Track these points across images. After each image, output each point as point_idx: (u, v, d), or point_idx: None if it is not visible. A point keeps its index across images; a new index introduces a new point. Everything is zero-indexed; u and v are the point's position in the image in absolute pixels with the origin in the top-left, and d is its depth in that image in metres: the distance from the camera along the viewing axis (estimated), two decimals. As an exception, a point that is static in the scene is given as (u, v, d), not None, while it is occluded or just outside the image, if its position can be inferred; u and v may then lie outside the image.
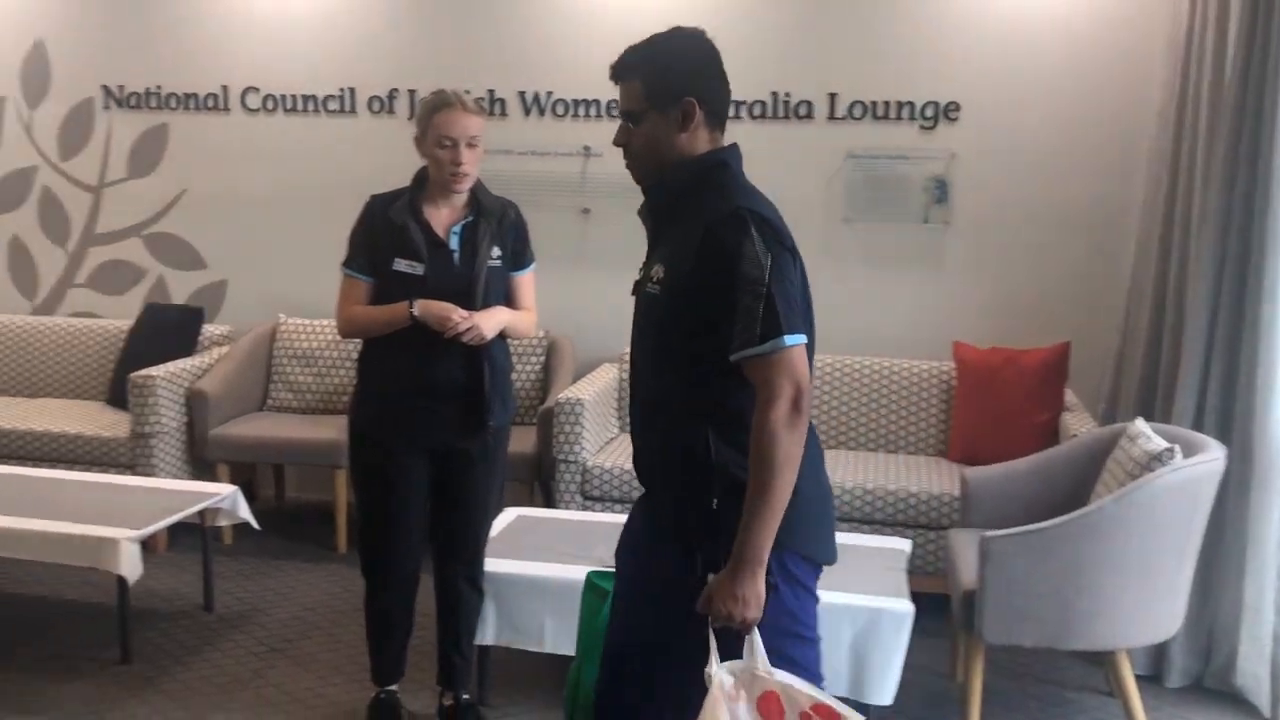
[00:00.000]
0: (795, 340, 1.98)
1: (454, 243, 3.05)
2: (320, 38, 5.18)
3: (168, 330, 5.11)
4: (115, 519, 3.67)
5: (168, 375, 4.67)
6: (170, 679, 3.57)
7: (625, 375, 4.77)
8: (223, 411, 4.77)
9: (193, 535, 4.29)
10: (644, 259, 2.22)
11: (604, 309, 5.03)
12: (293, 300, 5.25)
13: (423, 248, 3.01)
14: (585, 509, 4.26)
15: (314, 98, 5.21)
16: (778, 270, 1.99)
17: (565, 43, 4.97)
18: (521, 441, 4.55)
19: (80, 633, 3.89)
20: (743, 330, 1.96)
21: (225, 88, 5.29)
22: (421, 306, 2.96)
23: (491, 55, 5.05)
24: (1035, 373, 4.33)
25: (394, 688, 3.30)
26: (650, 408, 2.19)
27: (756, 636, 1.97)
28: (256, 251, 5.34)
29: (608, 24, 4.89)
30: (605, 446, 4.52)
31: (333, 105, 5.21)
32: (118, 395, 4.98)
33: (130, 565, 3.52)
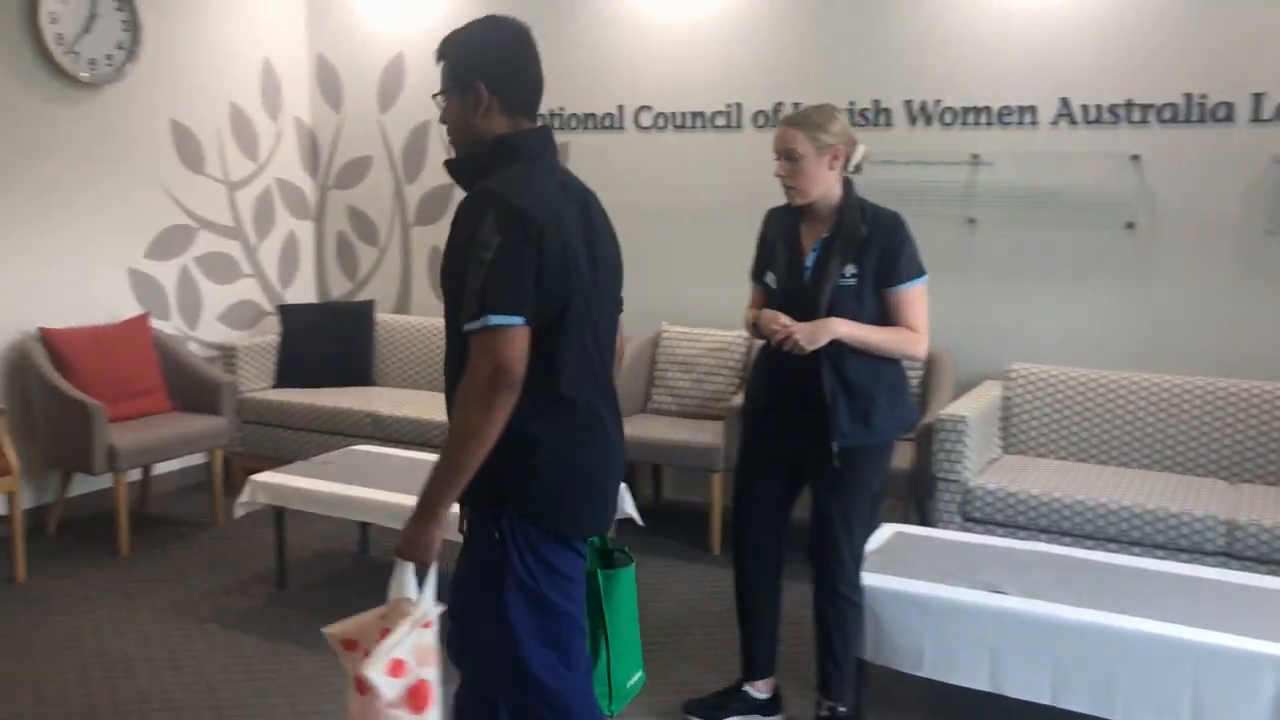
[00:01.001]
0: (502, 320, 2.05)
1: (810, 259, 3.10)
2: (709, 56, 5.37)
3: (562, 334, 5.46)
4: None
5: (562, 376, 4.99)
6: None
7: (1010, 393, 4.59)
8: (610, 412, 5.05)
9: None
10: None
11: (989, 322, 4.89)
12: (675, 309, 5.48)
13: (782, 263, 3.13)
14: (964, 529, 4.13)
15: (702, 114, 5.40)
16: (504, 252, 2.06)
17: (954, 49, 4.86)
18: (899, 457, 4.49)
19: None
20: (465, 305, 2.07)
21: (620, 108, 5.60)
22: (760, 318, 3.09)
23: (877, 65, 5.03)
24: None
25: (753, 684, 3.37)
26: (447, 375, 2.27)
27: (429, 575, 2.20)
28: (643, 262, 5.58)
29: (998, 29, 4.74)
30: (988, 467, 4.37)
31: (719, 121, 5.38)
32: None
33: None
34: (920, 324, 3.08)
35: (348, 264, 6.55)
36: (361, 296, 6.48)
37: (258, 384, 5.92)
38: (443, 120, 2.32)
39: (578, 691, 2.28)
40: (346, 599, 4.31)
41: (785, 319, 3.02)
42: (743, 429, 3.32)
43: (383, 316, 6.22)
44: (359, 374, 6.06)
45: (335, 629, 2.31)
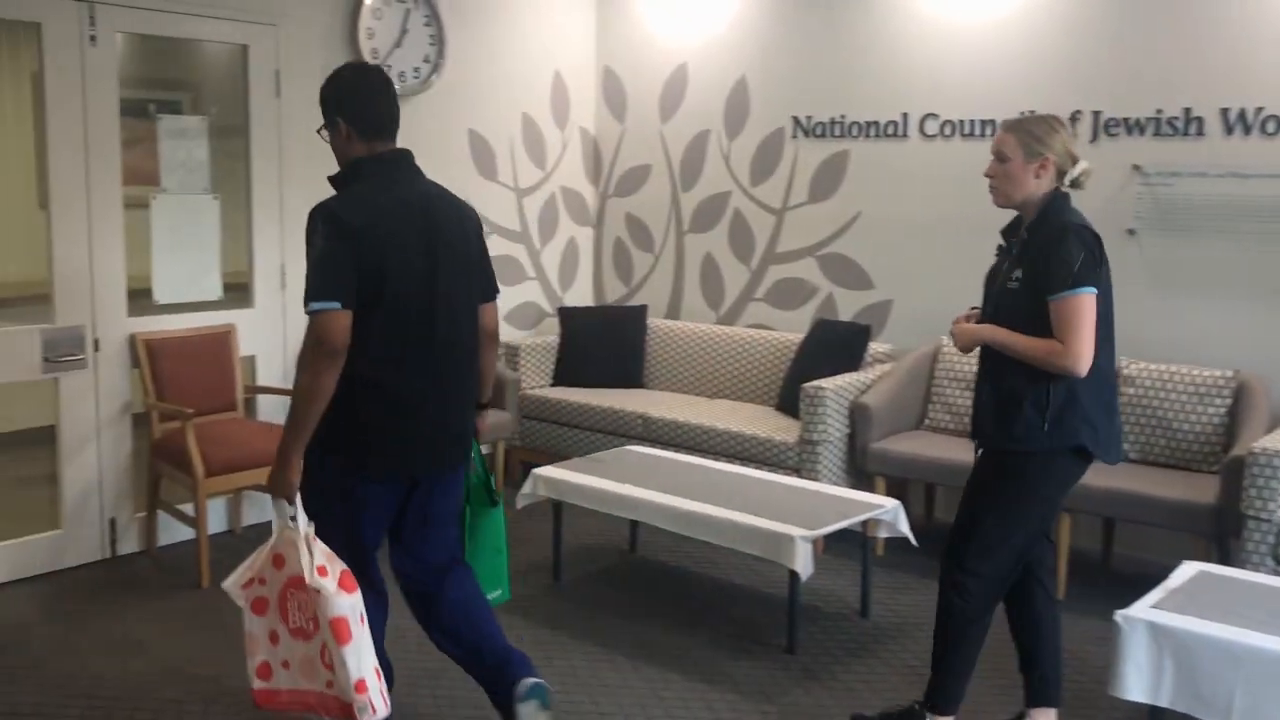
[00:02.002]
0: (321, 305, 2.72)
1: (1006, 263, 3.14)
2: (998, 61, 5.18)
3: (835, 345, 5.41)
4: (791, 517, 3.95)
5: (835, 388, 4.94)
6: (831, 676, 3.76)
7: (1334, 428, 4.19)
8: (883, 426, 4.95)
9: (846, 541, 4.49)
10: None
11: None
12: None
13: (992, 270, 3.22)
14: (1276, 573, 3.79)
15: (991, 122, 5.21)
16: (324, 251, 2.75)
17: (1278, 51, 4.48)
18: (1201, 490, 4.18)
19: (750, 617, 4.24)
20: (305, 294, 2.76)
21: (905, 115, 5.48)
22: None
23: (1190, 69, 4.70)
24: None
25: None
26: None
27: (295, 503, 2.82)
28: (922, 274, 5.47)
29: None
30: (1305, 506, 3.99)
31: (1010, 129, 5.17)
32: (787, 402, 5.38)
33: (804, 562, 3.77)
34: (1069, 337, 2.92)
35: (623, 269, 6.73)
36: (635, 301, 6.64)
37: (537, 382, 6.17)
38: (336, 149, 2.97)
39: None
40: (616, 595, 4.44)
41: (957, 325, 3.21)
42: None
43: (655, 321, 6.35)
44: (631, 376, 6.21)
45: (234, 578, 2.96)
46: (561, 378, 6.22)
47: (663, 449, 5.24)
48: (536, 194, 6.47)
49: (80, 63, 4.48)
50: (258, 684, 2.97)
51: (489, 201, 6.20)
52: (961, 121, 5.31)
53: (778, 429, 5.16)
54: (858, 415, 4.96)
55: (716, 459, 5.07)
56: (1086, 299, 2.93)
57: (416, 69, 5.72)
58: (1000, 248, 3.22)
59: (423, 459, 2.99)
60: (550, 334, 6.37)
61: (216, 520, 5.03)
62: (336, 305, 2.72)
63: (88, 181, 4.55)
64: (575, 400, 5.85)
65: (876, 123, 5.58)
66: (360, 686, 2.78)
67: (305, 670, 2.89)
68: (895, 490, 4.95)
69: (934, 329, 5.32)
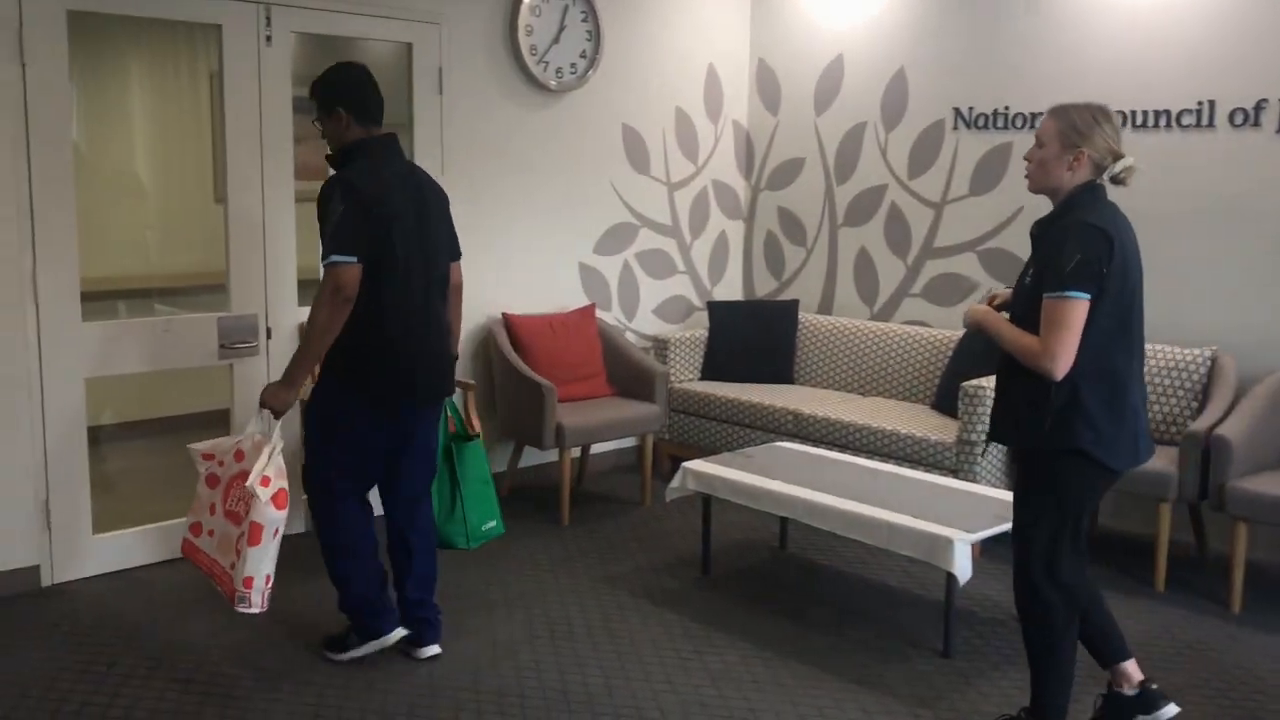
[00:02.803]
0: (337, 259, 3.32)
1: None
2: (1177, 47, 4.94)
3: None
4: (949, 519, 3.85)
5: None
6: (989, 683, 3.66)
7: None
8: (1045, 428, 4.78)
9: (1005, 545, 4.35)
10: None
11: None
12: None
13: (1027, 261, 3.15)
14: None
15: (1166, 113, 4.98)
16: (343, 214, 3.33)
17: None
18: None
19: (904, 620, 4.16)
20: (322, 248, 3.35)
21: (1072, 105, 5.28)
22: None
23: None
24: None
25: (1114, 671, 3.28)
26: None
27: (278, 419, 3.45)
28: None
29: None
30: None
31: (1187, 120, 4.93)
32: (944, 401, 5.26)
33: (962, 565, 3.68)
34: (1047, 338, 2.87)
35: (774, 263, 6.67)
36: (785, 296, 6.58)
37: (685, 375, 6.18)
38: (323, 136, 3.56)
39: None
40: (767, 592, 4.41)
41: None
42: None
43: (806, 316, 6.28)
44: (781, 371, 6.16)
45: (199, 445, 3.55)
46: (710, 372, 6.21)
47: (814, 446, 5.19)
48: (688, 187, 6.47)
49: (256, 62, 4.68)
50: (188, 536, 3.55)
51: (641, 195, 6.23)
52: (1134, 113, 5.08)
53: (934, 428, 5.04)
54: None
55: (869, 458, 4.99)
56: (1072, 304, 2.85)
57: (573, 65, 5.79)
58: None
59: (416, 387, 3.60)
60: (699, 328, 6.37)
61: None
62: (353, 259, 3.33)
63: (262, 176, 4.75)
64: (724, 395, 5.83)
65: (1040, 114, 5.39)
66: (248, 582, 3.30)
67: (223, 546, 3.43)
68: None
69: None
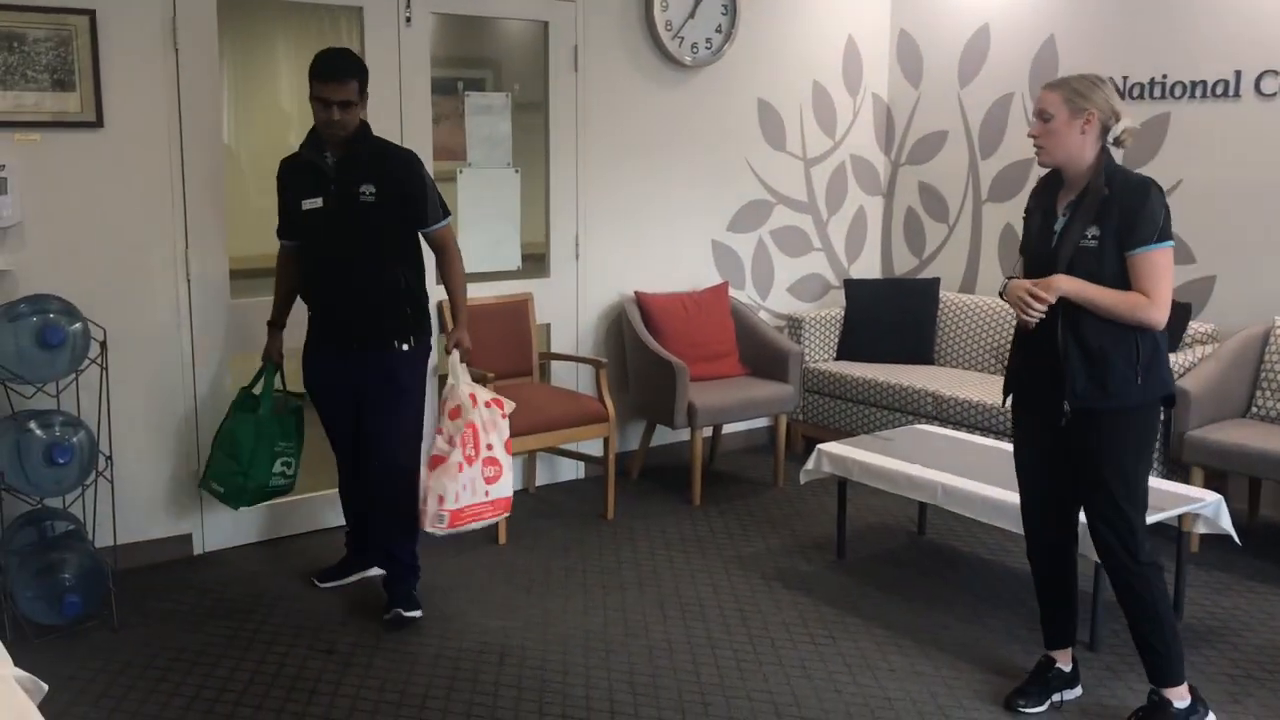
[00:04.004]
0: (448, 219, 3.96)
1: (1059, 223, 3.07)
2: (1358, 9, 4.61)
3: (1148, 324, 5.01)
4: (1098, 507, 3.68)
5: (1149, 369, 4.56)
6: (1138, 677, 3.46)
7: None
8: (1204, 413, 4.54)
9: (1158, 535, 4.13)
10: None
11: None
12: (1291, 302, 4.82)
13: (1035, 229, 3.14)
14: None
15: (1342, 77, 4.66)
16: (432, 181, 3.94)
17: None
18: None
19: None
20: (431, 211, 3.91)
21: (1238, 73, 4.98)
22: (1008, 286, 3.09)
23: None
24: None
25: (1059, 655, 3.36)
26: None
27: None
28: (1253, 248, 4.97)
29: None
30: None
31: (1367, 84, 4.61)
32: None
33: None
34: (1155, 289, 2.96)
35: (914, 240, 6.50)
36: (926, 274, 6.40)
37: (820, 355, 6.08)
38: (353, 113, 3.70)
39: None
40: (904, 578, 4.31)
41: (1026, 284, 3.01)
42: (1013, 412, 3.33)
43: (947, 295, 6.10)
44: (920, 352, 6.00)
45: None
46: (845, 352, 6.09)
47: (953, 429, 5.04)
48: (825, 163, 6.34)
49: (397, 43, 4.75)
50: (445, 508, 3.77)
51: (776, 171, 6.13)
52: (1307, 77, 4.77)
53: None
54: (1175, 400, 4.56)
55: (1010, 440, 4.81)
56: (1169, 253, 2.99)
57: (709, 40, 5.72)
58: (1037, 210, 3.16)
59: None
60: (835, 306, 6.25)
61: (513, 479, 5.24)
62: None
63: (402, 156, 4.82)
64: (860, 375, 5.71)
65: (1204, 82, 5.10)
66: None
67: (472, 489, 3.80)
68: (1215, 483, 4.54)
69: (1266, 308, 4.84)
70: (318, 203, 3.77)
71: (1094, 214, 2.99)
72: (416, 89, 4.83)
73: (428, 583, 4.12)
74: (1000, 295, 3.16)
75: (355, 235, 3.77)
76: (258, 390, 4.17)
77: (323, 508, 4.75)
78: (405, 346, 3.86)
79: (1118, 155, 3.06)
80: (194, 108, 4.29)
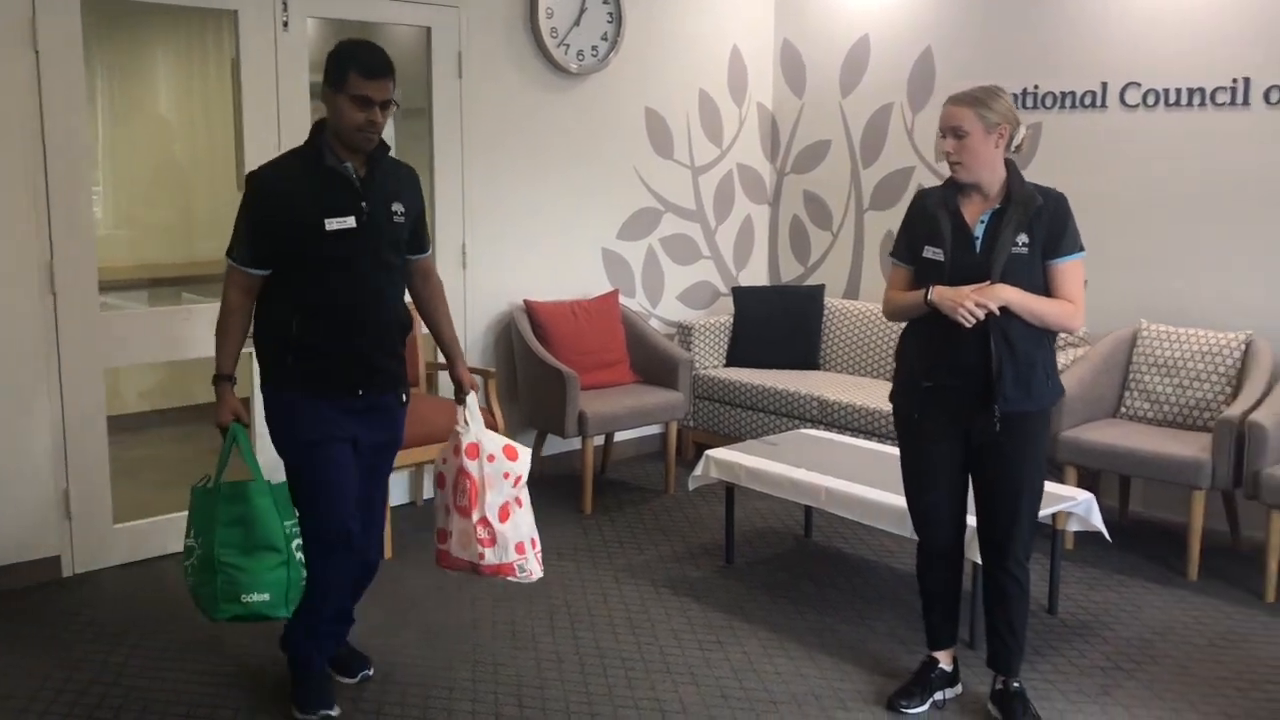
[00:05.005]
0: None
1: (979, 230, 3.12)
2: (1209, 23, 4.81)
3: (1023, 328, 5.15)
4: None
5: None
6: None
7: None
8: (1076, 414, 4.69)
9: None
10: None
11: None
12: (1156, 306, 5.00)
13: (948, 236, 3.12)
14: None
15: (1201, 90, 4.86)
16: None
17: None
18: None
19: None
20: (430, 237, 3.46)
21: (1104, 84, 5.17)
22: (936, 293, 3.08)
23: None
24: None
25: (941, 655, 3.43)
26: None
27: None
28: (1120, 252, 5.15)
29: None
30: None
31: (1221, 98, 4.81)
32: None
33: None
34: (1079, 297, 3.12)
35: (800, 248, 6.59)
36: (812, 281, 6.50)
37: (710, 362, 6.12)
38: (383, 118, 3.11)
39: None
40: (791, 581, 4.36)
41: (967, 292, 3.03)
42: (899, 410, 3.34)
43: (832, 301, 6.20)
44: (806, 357, 6.08)
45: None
46: (734, 358, 6.15)
47: (838, 433, 5.12)
48: (712, 171, 6.40)
49: (274, 47, 4.65)
50: (438, 545, 3.42)
51: (664, 180, 6.16)
52: (1167, 90, 4.96)
53: (960, 414, 4.95)
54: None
55: (895, 444, 4.90)
56: (1083, 261, 3.15)
57: (595, 47, 5.72)
58: (944, 219, 3.13)
59: None
60: (724, 314, 6.30)
61: (398, 492, 5.17)
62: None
63: (281, 163, 4.71)
64: (748, 381, 5.77)
65: (1073, 93, 5.27)
66: (520, 548, 3.34)
67: (462, 541, 3.33)
68: (1087, 482, 4.69)
69: (1132, 311, 5.02)
70: (348, 223, 3.08)
71: (1025, 223, 3.06)
72: (295, 94, 4.72)
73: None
74: (925, 301, 3.11)
75: (388, 263, 3.21)
76: (234, 469, 3.15)
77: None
78: (406, 399, 3.39)
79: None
80: (57, 111, 4.13)
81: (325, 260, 3.09)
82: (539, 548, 3.42)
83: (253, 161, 4.63)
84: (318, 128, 3.15)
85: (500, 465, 3.33)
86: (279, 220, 3.08)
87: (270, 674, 3.54)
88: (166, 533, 4.55)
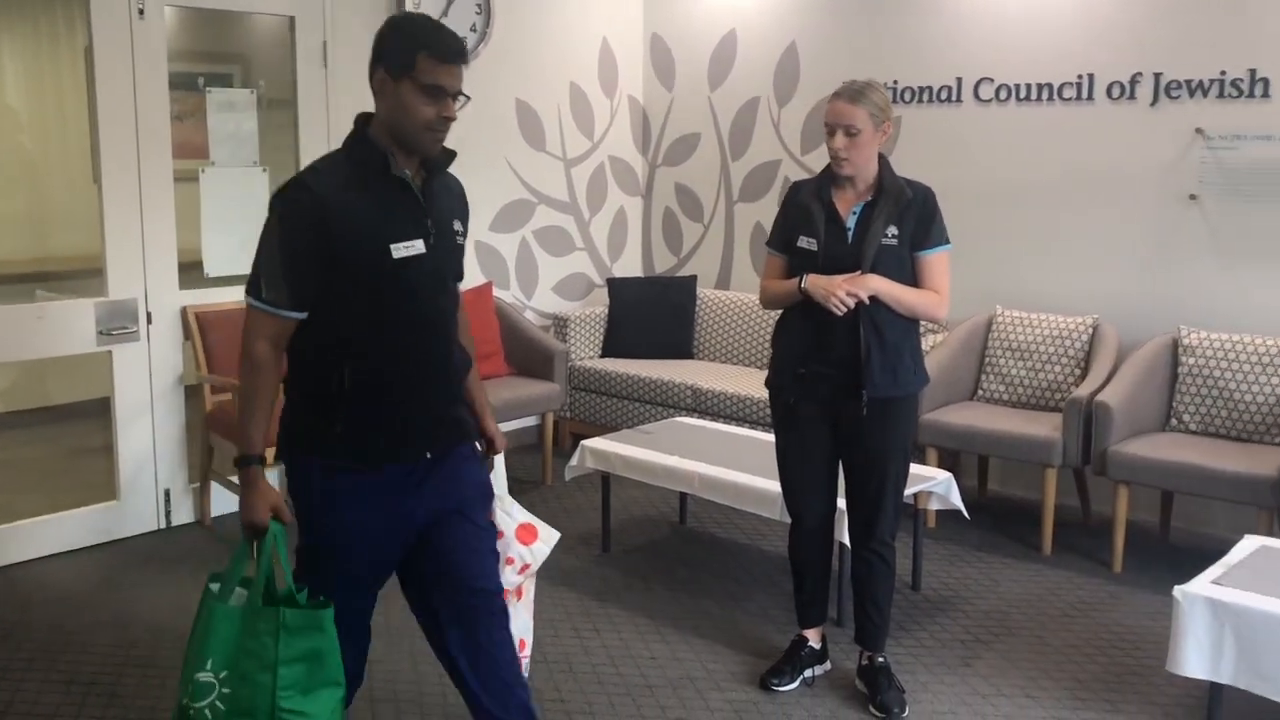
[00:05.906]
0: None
1: (851, 222, 3.21)
2: (1057, 23, 5.04)
3: (887, 315, 5.32)
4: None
5: (887, 358, 4.85)
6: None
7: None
8: (937, 398, 4.86)
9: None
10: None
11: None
12: (1010, 292, 5.21)
13: (821, 226, 3.21)
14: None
15: (1049, 86, 5.08)
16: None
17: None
18: (1263, 462, 4.07)
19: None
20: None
21: (959, 80, 5.36)
22: (810, 281, 3.16)
23: (1251, 28, 4.54)
24: None
25: (811, 633, 3.54)
26: None
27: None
28: (975, 242, 5.36)
29: None
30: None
31: (1068, 94, 5.04)
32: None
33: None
34: (945, 289, 3.24)
35: (672, 239, 6.67)
36: (684, 272, 6.58)
37: (586, 353, 6.15)
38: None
39: None
40: (666, 567, 4.42)
41: (839, 281, 3.12)
42: (774, 392, 3.41)
43: (704, 291, 6.29)
44: (680, 347, 6.17)
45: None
46: (610, 349, 6.19)
47: (712, 420, 5.21)
48: (585, 163, 6.43)
49: (129, 36, 4.50)
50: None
51: (536, 171, 6.17)
52: (1018, 86, 5.17)
53: (828, 400, 5.09)
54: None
55: (766, 430, 5.02)
56: (949, 253, 3.25)
57: (463, 38, 5.67)
58: (816, 209, 3.20)
59: None
60: (599, 305, 6.34)
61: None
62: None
63: (138, 155, 4.58)
64: (624, 371, 5.82)
65: (930, 87, 5.46)
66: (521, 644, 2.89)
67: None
68: (947, 462, 4.87)
69: (988, 297, 5.23)
70: (416, 247, 2.45)
71: (895, 215, 3.17)
72: (151, 84, 4.58)
73: (173, 627, 3.93)
74: (799, 290, 3.17)
75: (453, 294, 2.62)
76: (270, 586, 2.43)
77: (44, 531, 4.45)
78: (481, 448, 2.74)
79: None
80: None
81: (387, 295, 2.42)
82: (528, 650, 2.93)
83: (110, 152, 4.50)
84: (362, 122, 2.56)
85: (508, 546, 2.77)
86: (335, 248, 2.38)
87: (130, 682, 3.44)
88: (21, 539, 4.38)
